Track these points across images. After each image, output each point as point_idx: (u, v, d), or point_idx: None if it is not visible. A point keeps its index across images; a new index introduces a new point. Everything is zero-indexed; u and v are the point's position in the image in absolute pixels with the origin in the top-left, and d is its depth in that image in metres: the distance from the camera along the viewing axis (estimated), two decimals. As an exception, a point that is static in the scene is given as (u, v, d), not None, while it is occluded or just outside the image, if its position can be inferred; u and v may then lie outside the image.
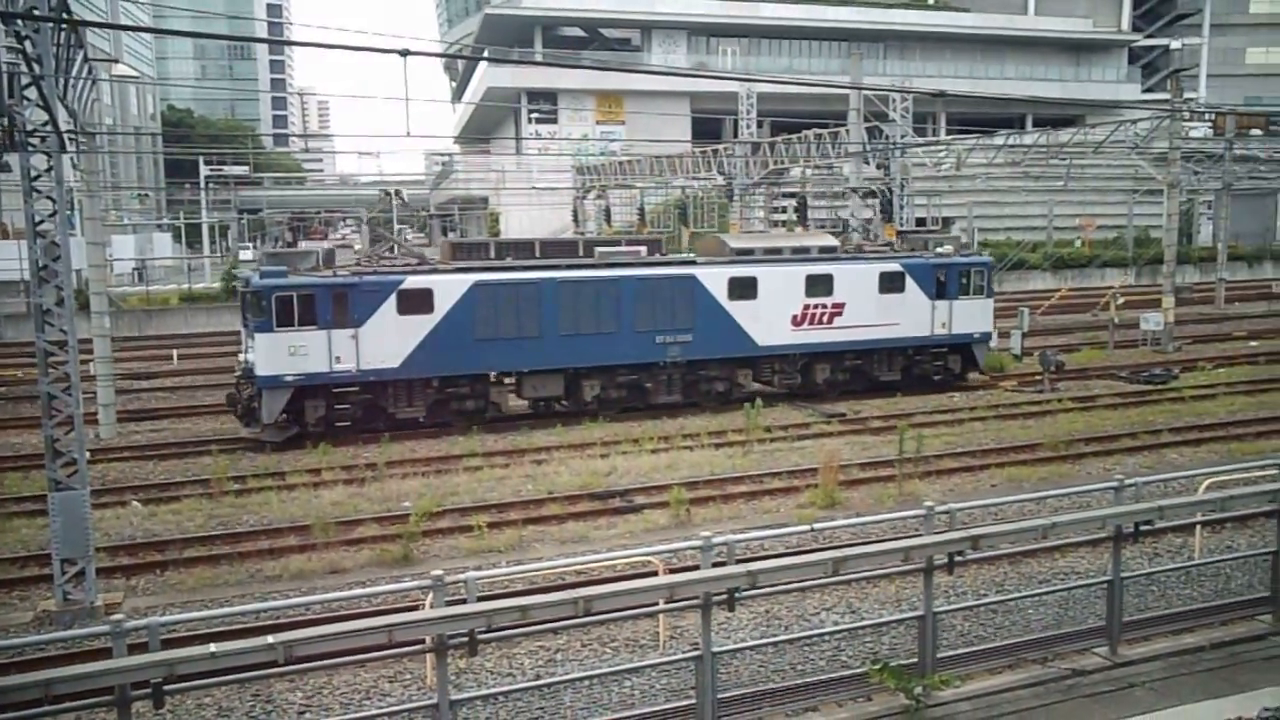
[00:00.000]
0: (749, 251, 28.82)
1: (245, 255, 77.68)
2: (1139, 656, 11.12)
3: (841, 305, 28.52)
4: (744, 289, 27.52)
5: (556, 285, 25.59)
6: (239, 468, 21.34)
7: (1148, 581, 13.63)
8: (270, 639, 7.62)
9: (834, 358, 29.03)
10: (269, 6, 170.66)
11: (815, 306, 28.29)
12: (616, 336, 26.24)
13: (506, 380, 26.37)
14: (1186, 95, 65.56)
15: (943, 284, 29.71)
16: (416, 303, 24.33)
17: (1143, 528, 11.22)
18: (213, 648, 7.43)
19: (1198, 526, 15.48)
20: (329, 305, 23.54)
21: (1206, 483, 14.55)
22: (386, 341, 24.05)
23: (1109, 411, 26.50)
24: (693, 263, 27.99)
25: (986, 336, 30.99)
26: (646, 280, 26.63)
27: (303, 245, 43.35)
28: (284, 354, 23.23)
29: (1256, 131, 68.95)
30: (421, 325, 24.37)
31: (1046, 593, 13.08)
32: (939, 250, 30.92)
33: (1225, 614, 12.26)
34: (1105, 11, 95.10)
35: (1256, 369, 32.58)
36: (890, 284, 29.14)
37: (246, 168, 79.20)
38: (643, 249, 28.38)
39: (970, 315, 30.19)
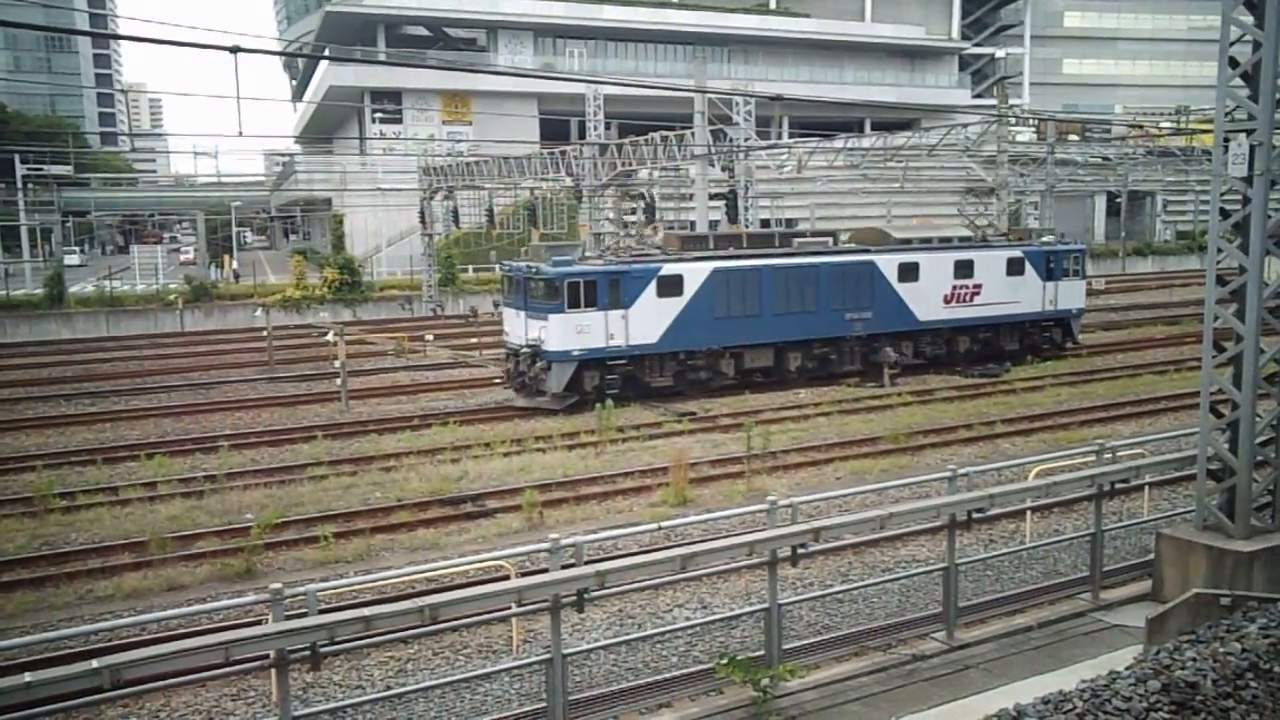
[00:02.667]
0: (908, 241, 33.47)
1: (71, 260, 73.53)
2: (974, 639, 11.60)
3: (980, 286, 33.19)
4: (909, 272, 31.93)
5: (773, 270, 29.50)
6: (66, 483, 20.18)
7: (983, 567, 14.26)
8: (95, 663, 7.23)
9: (972, 331, 33.64)
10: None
11: (960, 287, 32.90)
12: (816, 314, 30.29)
13: (727, 354, 29.43)
14: (1012, 102, 68.89)
15: (1050, 267, 34.58)
16: (671, 287, 28.05)
17: (975, 515, 11.71)
18: (28, 677, 6.99)
19: (1027, 512, 16.27)
20: (606, 289, 27.07)
21: (1035, 470, 15.27)
22: (648, 320, 27.72)
23: (946, 404, 27.61)
24: (868, 250, 31.95)
25: (1081, 312, 36.27)
26: (838, 265, 30.81)
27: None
28: (572, 332, 26.69)
29: (1074, 137, 73.17)
30: (674, 306, 28.12)
31: (888, 580, 13.55)
32: (1043, 240, 36.57)
33: (1052, 594, 12.93)
34: (937, 20, 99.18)
35: (1080, 361, 34.49)
36: (1014, 268, 33.97)
37: (69, 167, 75.04)
38: (829, 238, 33.17)
39: (1070, 294, 35.35)
